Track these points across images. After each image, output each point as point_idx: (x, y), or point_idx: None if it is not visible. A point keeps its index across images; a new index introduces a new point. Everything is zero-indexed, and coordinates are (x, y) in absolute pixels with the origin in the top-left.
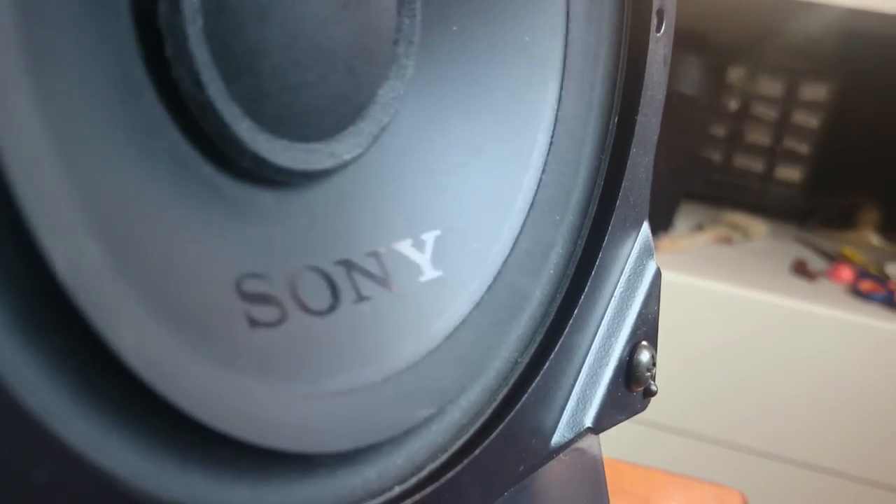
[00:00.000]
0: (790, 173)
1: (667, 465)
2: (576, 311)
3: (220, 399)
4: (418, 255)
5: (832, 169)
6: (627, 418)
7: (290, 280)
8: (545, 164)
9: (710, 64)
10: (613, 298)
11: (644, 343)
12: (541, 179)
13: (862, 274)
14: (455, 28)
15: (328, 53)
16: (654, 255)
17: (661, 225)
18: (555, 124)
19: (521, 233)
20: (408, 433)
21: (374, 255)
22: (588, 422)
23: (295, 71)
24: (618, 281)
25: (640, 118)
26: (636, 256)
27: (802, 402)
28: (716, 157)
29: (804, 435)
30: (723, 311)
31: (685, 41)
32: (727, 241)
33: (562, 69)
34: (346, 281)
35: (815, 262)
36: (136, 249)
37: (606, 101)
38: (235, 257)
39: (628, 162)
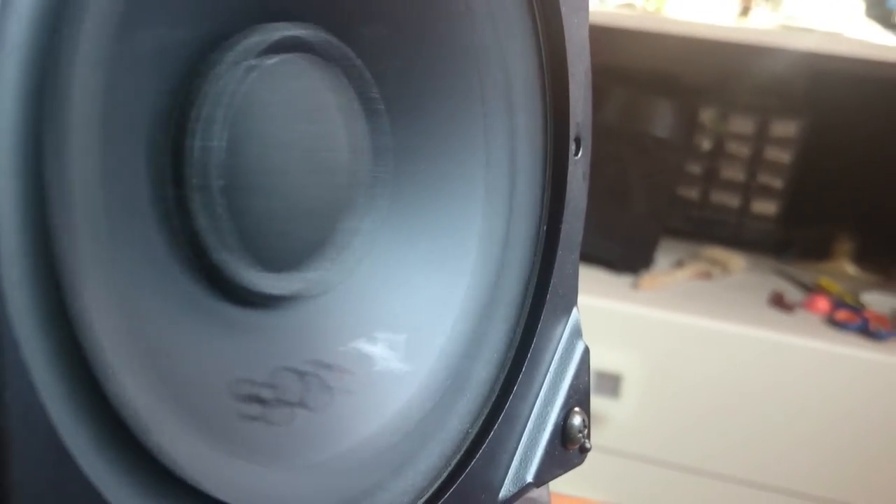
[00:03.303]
0: (766, 207)
1: (650, 497)
2: (515, 388)
3: (238, 483)
4: (388, 353)
5: (806, 201)
6: (565, 472)
7: (288, 384)
8: (486, 269)
9: (682, 106)
10: (548, 374)
11: (576, 409)
12: (483, 282)
13: (838, 304)
14: (415, 169)
15: (310, 209)
16: (583, 336)
17: (641, 262)
18: (496, 237)
19: (468, 327)
20: (374, 495)
21: (352, 355)
22: (529, 477)
23: (283, 224)
24: (551, 360)
25: (564, 225)
26: (567, 338)
27: (782, 430)
28: (692, 194)
29: (784, 462)
30: (703, 345)
31: (657, 85)
32: (707, 275)
33: (486, 191)
34: (330, 379)
35: (793, 294)
36: (178, 382)
37: (535, 214)
38: (249, 371)
39: (556, 262)
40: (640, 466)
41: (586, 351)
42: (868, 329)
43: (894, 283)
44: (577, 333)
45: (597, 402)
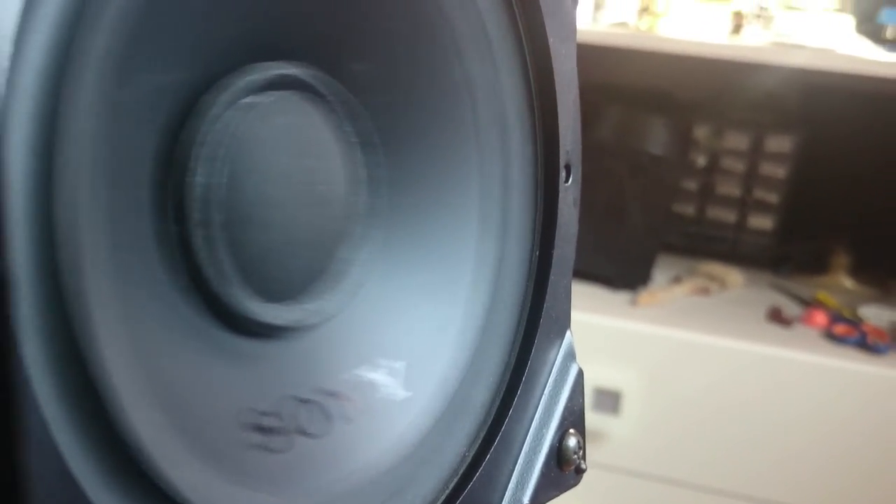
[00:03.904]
0: (762, 222)
1: None
2: (511, 411)
3: None
4: (388, 380)
5: (802, 216)
6: (561, 493)
7: (291, 411)
8: (481, 296)
9: (677, 123)
10: (543, 397)
11: (571, 431)
12: (478, 308)
13: (836, 318)
14: (409, 199)
15: (307, 241)
16: (576, 358)
17: (639, 279)
18: (490, 264)
19: (465, 353)
20: None
21: (353, 382)
22: (526, 499)
23: (282, 256)
24: (546, 382)
25: (556, 251)
26: (561, 360)
27: (781, 445)
28: (689, 210)
29: (784, 477)
30: (702, 360)
31: (651, 103)
32: (704, 291)
33: (480, 220)
34: (333, 406)
35: (791, 308)
36: (184, 413)
37: (527, 240)
38: (252, 400)
39: (548, 286)
40: (642, 483)
41: (580, 373)
42: (866, 343)
43: (892, 297)
44: (570, 356)
45: (597, 418)
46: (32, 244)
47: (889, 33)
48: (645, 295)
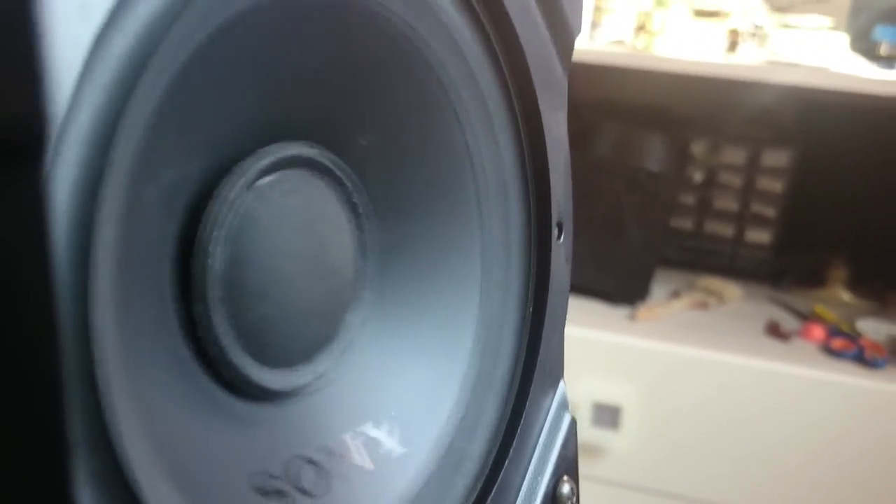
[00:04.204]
0: (759, 236)
1: None
2: (507, 461)
3: None
4: (387, 438)
5: (799, 229)
6: None
7: (293, 472)
8: (476, 352)
9: (674, 139)
10: (538, 446)
11: (565, 478)
12: (473, 364)
13: (833, 332)
14: (401, 261)
15: (309, 310)
16: (569, 408)
17: (638, 294)
18: (481, 322)
19: (463, 408)
20: None
21: (354, 441)
22: None
23: (286, 326)
24: (540, 432)
25: (549, 307)
26: (554, 410)
27: (779, 459)
28: (687, 225)
29: (781, 490)
30: (701, 375)
31: (648, 119)
32: (703, 305)
33: (480, 279)
34: (335, 466)
35: (789, 322)
36: (193, 484)
37: (521, 296)
38: (251, 463)
39: (542, 340)
40: (641, 497)
41: (573, 422)
42: (864, 357)
43: (889, 310)
44: (563, 405)
45: (597, 433)
46: (73, 343)
47: (883, 50)
48: (643, 310)
